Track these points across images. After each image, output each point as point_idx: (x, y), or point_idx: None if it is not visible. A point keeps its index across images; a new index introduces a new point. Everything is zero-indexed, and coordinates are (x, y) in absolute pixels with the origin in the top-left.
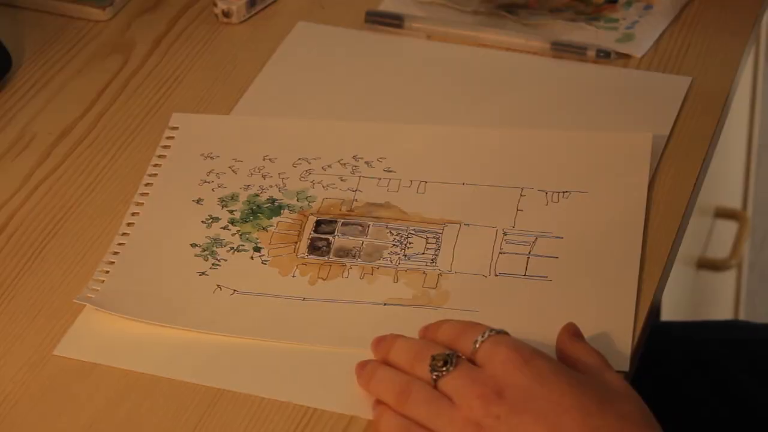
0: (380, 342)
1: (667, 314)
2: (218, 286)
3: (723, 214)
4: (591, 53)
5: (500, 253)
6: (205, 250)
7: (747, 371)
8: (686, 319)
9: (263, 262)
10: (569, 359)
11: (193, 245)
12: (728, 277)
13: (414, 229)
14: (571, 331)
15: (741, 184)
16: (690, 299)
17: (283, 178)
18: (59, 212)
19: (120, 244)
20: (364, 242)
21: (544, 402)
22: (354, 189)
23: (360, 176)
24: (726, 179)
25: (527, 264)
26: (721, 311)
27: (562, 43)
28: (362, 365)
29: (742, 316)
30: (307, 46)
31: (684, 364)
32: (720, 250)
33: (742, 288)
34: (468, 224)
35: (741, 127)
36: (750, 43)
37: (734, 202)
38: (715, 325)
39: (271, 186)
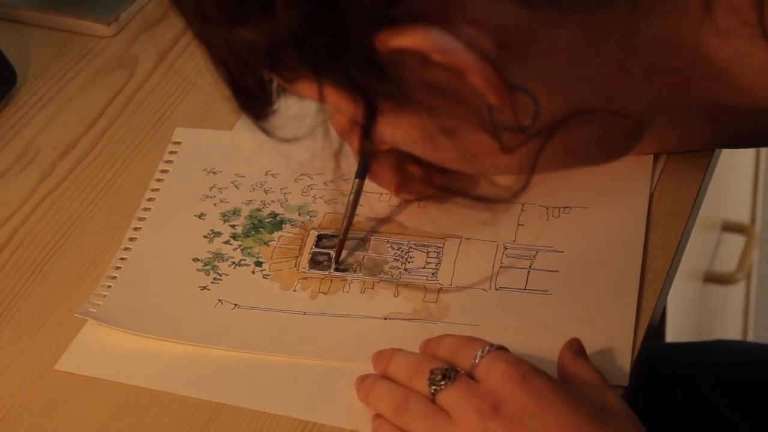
0: (380, 356)
1: (673, 328)
2: (219, 300)
3: (730, 227)
4: None
5: (501, 267)
6: (206, 265)
7: (725, 395)
8: (688, 335)
9: (264, 277)
10: (569, 376)
11: (195, 260)
12: (736, 291)
13: (415, 244)
14: (574, 348)
15: (749, 198)
16: (697, 313)
17: (285, 193)
18: (62, 227)
19: (122, 258)
20: (365, 257)
21: (540, 420)
22: None
23: (362, 192)
24: (733, 193)
25: (527, 278)
26: (730, 325)
27: None
28: (362, 379)
29: (750, 330)
30: None
31: (661, 387)
32: (727, 263)
33: (750, 302)
34: (469, 238)
35: None
36: None
37: (742, 216)
38: (695, 347)
39: (273, 201)
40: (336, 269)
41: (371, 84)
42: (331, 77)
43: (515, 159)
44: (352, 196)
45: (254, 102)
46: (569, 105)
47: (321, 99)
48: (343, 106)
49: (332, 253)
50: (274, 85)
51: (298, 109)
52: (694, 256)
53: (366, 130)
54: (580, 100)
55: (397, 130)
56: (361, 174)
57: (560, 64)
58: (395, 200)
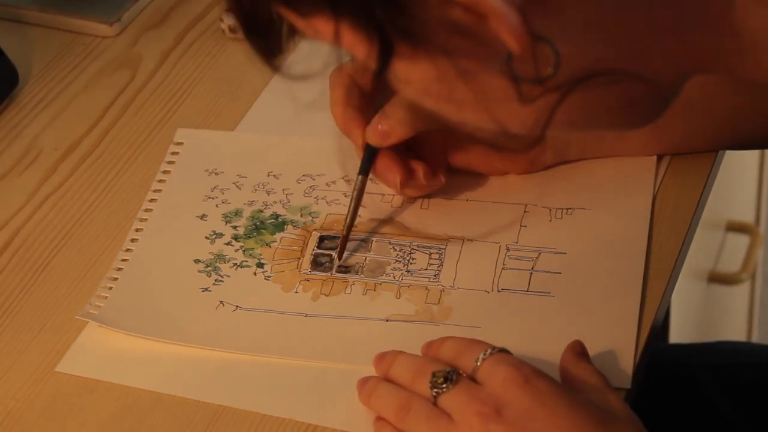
0: (382, 358)
1: (677, 329)
2: (221, 302)
3: (735, 227)
4: None
5: (503, 268)
6: (208, 266)
7: (728, 397)
8: (691, 335)
9: (266, 278)
10: (572, 378)
11: (197, 261)
12: (740, 291)
13: (417, 245)
14: (577, 350)
15: (753, 198)
16: (701, 313)
17: (287, 194)
18: (64, 228)
19: (123, 260)
20: (367, 258)
21: (542, 422)
22: None
23: (364, 192)
24: (738, 193)
25: (530, 280)
26: (734, 326)
27: None
28: (363, 381)
29: (755, 330)
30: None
31: (664, 388)
32: (731, 264)
33: (755, 302)
34: (471, 240)
35: None
36: None
37: (746, 216)
38: (699, 349)
39: (275, 202)
40: (338, 268)
41: (390, 21)
42: (348, 13)
43: (532, 111)
44: (355, 192)
45: (265, 39)
46: (593, 61)
47: (336, 38)
48: (358, 48)
49: (334, 254)
50: (285, 26)
51: (309, 47)
52: (698, 256)
53: (380, 72)
54: (605, 56)
55: (412, 73)
56: (365, 170)
57: (586, 16)
58: (397, 201)
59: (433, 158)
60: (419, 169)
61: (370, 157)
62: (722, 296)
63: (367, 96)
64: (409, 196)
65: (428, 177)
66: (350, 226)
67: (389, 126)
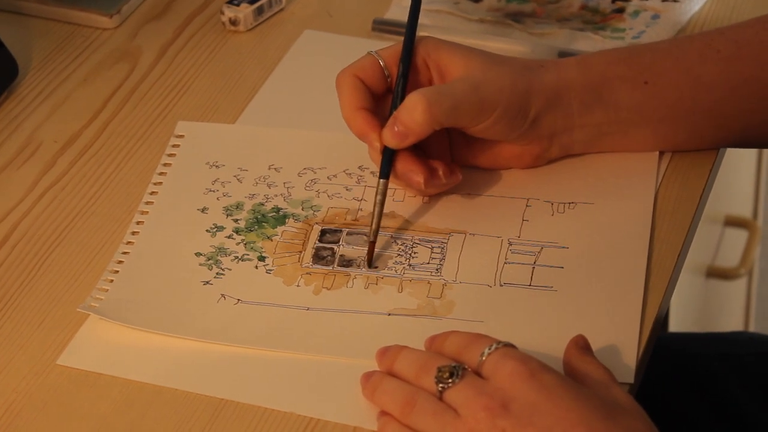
0: (385, 353)
1: (675, 323)
2: (222, 295)
3: (733, 222)
4: None
5: (505, 263)
6: (209, 260)
7: (744, 387)
8: (690, 330)
9: (267, 272)
10: (576, 372)
11: (198, 254)
12: (738, 286)
13: (419, 239)
14: (580, 344)
15: (752, 192)
16: (699, 308)
17: (288, 188)
18: (64, 221)
19: (124, 253)
20: None
21: (549, 416)
22: (359, 198)
23: (365, 186)
24: (736, 187)
25: (532, 274)
26: (732, 320)
27: (568, 53)
28: (367, 376)
29: (752, 325)
30: (313, 55)
31: (680, 378)
32: (730, 258)
33: (752, 296)
34: (473, 234)
35: None
36: None
37: (744, 211)
38: (715, 339)
39: (276, 195)
40: (340, 261)
41: None
42: None
43: None
44: (378, 197)
45: None
46: None
47: None
48: None
49: (336, 247)
50: None
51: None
52: (696, 251)
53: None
54: None
55: None
56: (386, 174)
57: None
58: (399, 195)
59: (442, 157)
60: (440, 167)
61: (389, 159)
62: (720, 291)
63: (377, 97)
64: (428, 195)
65: (448, 175)
66: (376, 231)
67: (405, 126)
